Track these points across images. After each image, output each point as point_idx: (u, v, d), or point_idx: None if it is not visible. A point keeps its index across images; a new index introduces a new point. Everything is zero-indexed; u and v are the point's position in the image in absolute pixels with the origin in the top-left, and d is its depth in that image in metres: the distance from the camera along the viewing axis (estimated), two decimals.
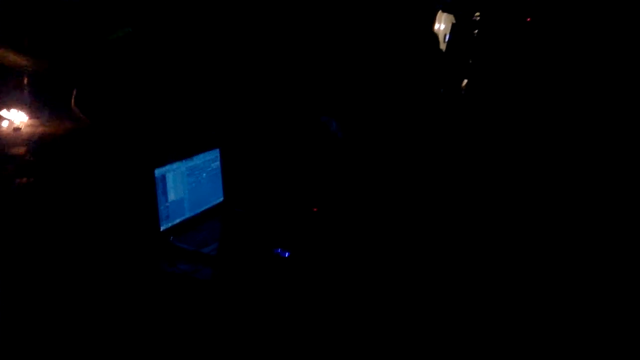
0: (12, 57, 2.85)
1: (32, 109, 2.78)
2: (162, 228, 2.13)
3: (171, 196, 2.16)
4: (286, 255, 2.05)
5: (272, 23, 2.87)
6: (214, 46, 2.72)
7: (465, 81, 4.13)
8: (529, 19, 3.79)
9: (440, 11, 4.38)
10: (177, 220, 2.21)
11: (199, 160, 2.31)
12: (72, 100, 2.70)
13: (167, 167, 2.14)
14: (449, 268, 2.24)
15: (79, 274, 1.98)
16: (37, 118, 2.78)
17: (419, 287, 2.09)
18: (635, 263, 2.22)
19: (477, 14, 4.24)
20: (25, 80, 2.90)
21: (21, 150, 2.53)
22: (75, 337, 1.80)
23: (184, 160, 2.22)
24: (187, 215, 2.27)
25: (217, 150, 2.42)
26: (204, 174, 2.35)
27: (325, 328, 1.86)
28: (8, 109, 2.72)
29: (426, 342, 1.91)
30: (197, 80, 2.67)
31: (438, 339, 1.93)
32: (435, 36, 4.29)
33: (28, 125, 2.71)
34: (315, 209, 2.35)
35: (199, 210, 2.33)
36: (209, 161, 2.38)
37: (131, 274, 1.98)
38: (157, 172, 2.08)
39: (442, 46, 4.26)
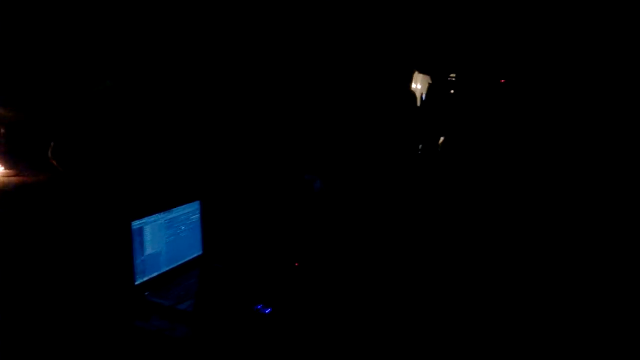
0: None
1: (8, 159, 2.72)
2: (137, 282, 2.05)
3: (148, 249, 2.10)
4: (267, 311, 1.98)
5: (255, 78, 2.91)
6: (195, 101, 2.74)
7: (442, 138, 4.22)
8: (502, 81, 3.94)
9: (416, 72, 4.52)
10: (153, 274, 2.14)
11: (178, 212, 2.26)
12: (49, 152, 2.66)
13: (145, 219, 2.09)
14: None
15: (51, 329, 1.88)
16: (13, 168, 2.72)
17: (405, 341, 2.04)
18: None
19: (453, 75, 4.39)
20: (2, 131, 2.86)
21: None
22: None
23: (162, 213, 2.17)
24: (164, 269, 2.20)
25: (197, 202, 2.38)
26: (183, 227, 2.30)
27: None
28: None
29: None
30: (178, 133, 2.66)
31: None
32: (413, 95, 4.41)
33: (3, 175, 2.65)
34: (297, 264, 2.31)
35: (176, 264, 2.26)
36: (189, 213, 2.33)
37: (104, 331, 1.88)
38: (134, 224, 2.03)
39: (420, 104, 4.38)
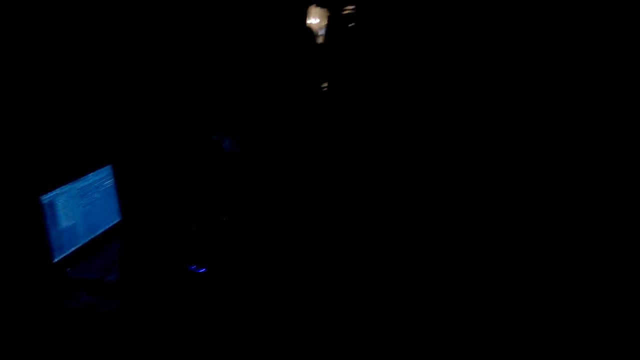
0: None
1: None
2: (55, 259, 1.91)
3: (63, 223, 1.95)
4: (202, 271, 1.94)
5: (158, 37, 2.67)
6: (99, 56, 2.46)
7: (344, 76, 4.22)
8: (400, 16, 3.95)
9: (313, 5, 4.41)
10: (72, 249, 2.00)
11: (90, 179, 2.10)
12: None
13: (55, 191, 1.91)
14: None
15: None
16: None
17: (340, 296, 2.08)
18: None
19: (351, 7, 4.34)
20: None
21: None
22: None
23: (73, 182, 2.00)
24: (83, 241, 2.06)
25: (109, 166, 2.22)
26: (97, 194, 2.14)
27: (255, 350, 1.79)
28: None
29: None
30: (81, 93, 2.40)
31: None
32: (310, 31, 4.33)
33: None
34: (224, 218, 2.26)
35: (95, 234, 2.13)
36: (101, 179, 2.17)
37: (27, 317, 1.74)
38: (44, 198, 1.86)
39: (319, 40, 4.31)
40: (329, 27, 4.51)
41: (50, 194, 1.88)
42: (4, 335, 1.67)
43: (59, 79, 2.12)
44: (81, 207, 2.04)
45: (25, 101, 1.98)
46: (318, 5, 4.61)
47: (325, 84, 4.29)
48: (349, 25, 4.46)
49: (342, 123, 3.74)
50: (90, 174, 2.10)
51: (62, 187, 1.95)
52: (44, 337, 1.69)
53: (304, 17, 4.36)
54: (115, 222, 2.26)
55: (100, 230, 2.16)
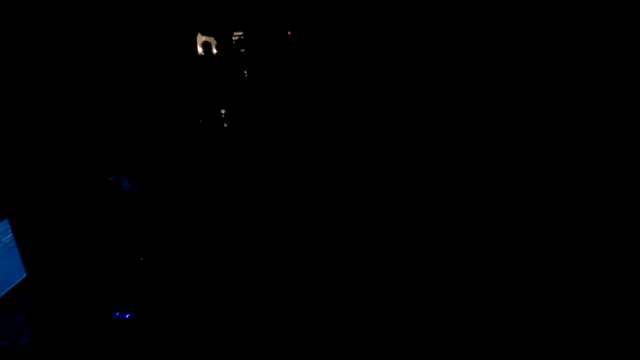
0: None
1: None
2: None
3: None
4: (127, 317, 1.84)
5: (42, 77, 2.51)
6: None
7: (240, 100, 4.24)
8: (289, 32, 4.06)
9: (199, 34, 4.40)
10: None
11: None
12: None
13: None
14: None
15: None
16: None
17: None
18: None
19: (239, 33, 4.38)
20: None
21: None
22: None
23: None
24: None
25: (6, 220, 2.03)
26: None
27: None
28: None
29: None
30: None
31: None
32: (201, 59, 4.31)
33: None
34: (141, 258, 2.16)
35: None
36: None
37: None
38: None
39: (209, 67, 4.30)
40: (220, 54, 4.52)
41: None
42: None
43: None
44: None
45: None
46: (204, 34, 4.60)
47: (223, 111, 4.27)
48: (240, 50, 4.49)
49: (242, 149, 3.74)
50: None
51: None
52: None
53: (194, 47, 4.33)
54: (21, 279, 2.07)
55: (5, 291, 1.97)
